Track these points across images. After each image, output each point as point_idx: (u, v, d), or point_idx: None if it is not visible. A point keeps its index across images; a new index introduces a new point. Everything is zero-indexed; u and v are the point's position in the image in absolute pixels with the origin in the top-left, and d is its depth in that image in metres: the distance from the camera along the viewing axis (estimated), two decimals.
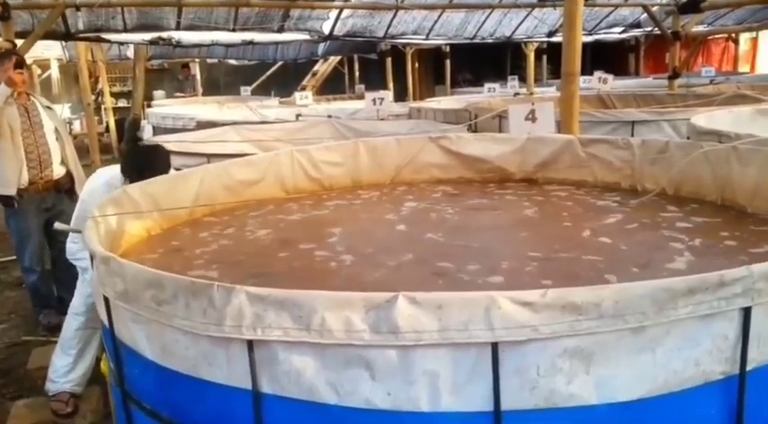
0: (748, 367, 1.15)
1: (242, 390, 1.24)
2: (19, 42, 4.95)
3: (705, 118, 3.71)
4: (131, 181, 2.51)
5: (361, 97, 10.57)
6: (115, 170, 2.86)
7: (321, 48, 11.32)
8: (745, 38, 16.04)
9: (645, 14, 8.06)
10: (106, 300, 1.49)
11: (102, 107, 13.05)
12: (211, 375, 1.28)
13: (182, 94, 13.51)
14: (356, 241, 2.11)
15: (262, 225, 2.41)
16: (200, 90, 13.79)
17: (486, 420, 1.11)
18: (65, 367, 2.93)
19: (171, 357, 1.33)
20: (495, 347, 1.07)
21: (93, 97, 10.95)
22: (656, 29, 7.77)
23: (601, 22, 8.68)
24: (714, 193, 2.47)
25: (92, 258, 1.61)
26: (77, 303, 2.97)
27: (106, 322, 1.53)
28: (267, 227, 2.37)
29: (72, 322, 2.97)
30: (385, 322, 1.10)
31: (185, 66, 14.06)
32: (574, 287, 1.06)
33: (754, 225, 2.12)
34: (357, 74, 15.88)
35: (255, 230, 2.33)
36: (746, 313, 1.13)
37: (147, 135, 7.61)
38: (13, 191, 3.73)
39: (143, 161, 2.78)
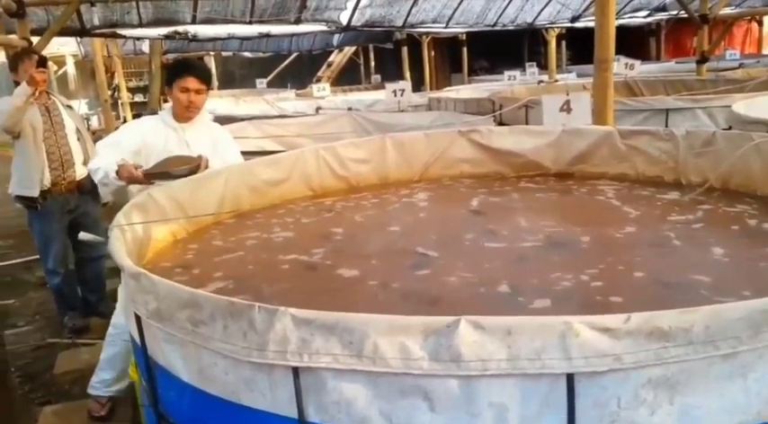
0: None
1: (287, 418, 1.15)
2: (34, 39, 4.89)
3: (745, 105, 3.55)
4: None
5: (377, 87, 10.44)
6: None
7: (336, 38, 11.21)
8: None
9: None
10: (137, 318, 1.41)
11: (119, 102, 13.02)
12: (253, 401, 1.18)
13: None
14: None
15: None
16: (215, 84, 13.75)
17: None
18: (108, 381, 2.84)
19: (209, 382, 1.24)
20: (570, 378, 0.96)
21: (109, 92, 10.93)
22: (683, 12, 7.53)
23: (625, 5, 8.45)
24: (766, 186, 2.33)
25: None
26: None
27: (138, 341, 1.44)
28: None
29: (116, 338, 2.75)
30: (446, 350, 1.00)
31: (200, 59, 14.02)
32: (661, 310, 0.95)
33: None
34: (373, 63, 15.73)
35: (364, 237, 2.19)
36: None
37: None
38: (35, 193, 3.67)
39: None
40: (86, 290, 4.05)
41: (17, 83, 3.60)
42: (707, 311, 0.96)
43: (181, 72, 2.75)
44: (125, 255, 1.51)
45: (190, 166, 2.42)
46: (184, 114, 2.78)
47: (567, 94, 3.14)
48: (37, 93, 3.58)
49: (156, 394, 1.45)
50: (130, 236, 1.83)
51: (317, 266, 1.87)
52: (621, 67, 6.53)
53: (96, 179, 2.57)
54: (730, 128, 3.31)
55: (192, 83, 2.72)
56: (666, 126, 4.18)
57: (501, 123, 4.85)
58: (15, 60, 3.81)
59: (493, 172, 2.98)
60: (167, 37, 7.25)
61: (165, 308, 1.28)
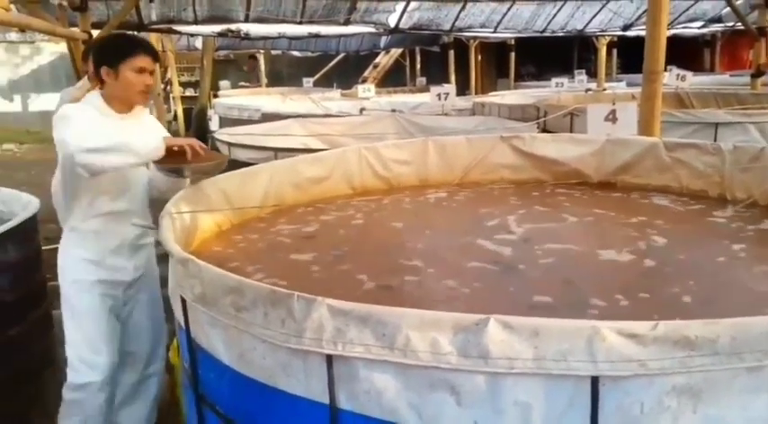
0: None
1: (319, 404, 1.20)
2: (95, 33, 5.11)
3: None
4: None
5: (422, 90, 10.48)
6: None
7: (384, 40, 11.30)
8: None
9: (727, 8, 7.62)
10: (183, 301, 1.49)
11: (171, 96, 13.42)
12: (288, 386, 1.24)
13: (247, 85, 13.76)
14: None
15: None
16: (264, 81, 14.01)
17: None
18: None
19: (248, 365, 1.31)
20: (595, 381, 0.99)
21: (162, 86, 11.28)
22: (739, 23, 7.34)
23: (680, 15, 8.28)
24: None
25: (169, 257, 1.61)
26: None
27: (182, 323, 1.52)
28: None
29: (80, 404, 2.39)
30: (474, 347, 1.04)
31: (252, 57, 14.31)
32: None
33: None
34: (418, 66, 15.75)
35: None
36: None
37: (213, 125, 7.77)
38: None
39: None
40: None
41: (85, 73, 3.67)
42: (733, 322, 0.98)
43: (131, 49, 2.27)
44: (173, 241, 1.60)
45: (217, 162, 2.21)
46: (136, 100, 2.34)
47: (614, 104, 3.12)
48: None
49: (196, 376, 1.53)
50: (179, 225, 1.92)
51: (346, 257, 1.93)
52: (673, 78, 6.41)
53: (115, 160, 2.06)
54: None
55: (146, 61, 2.28)
56: (715, 140, 4.10)
57: (545, 130, 4.82)
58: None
59: (533, 178, 2.99)
60: (221, 34, 7.46)
61: (210, 293, 1.36)
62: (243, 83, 14.10)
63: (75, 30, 4.94)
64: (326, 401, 1.19)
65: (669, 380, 0.98)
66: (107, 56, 2.29)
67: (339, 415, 1.19)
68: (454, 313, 1.07)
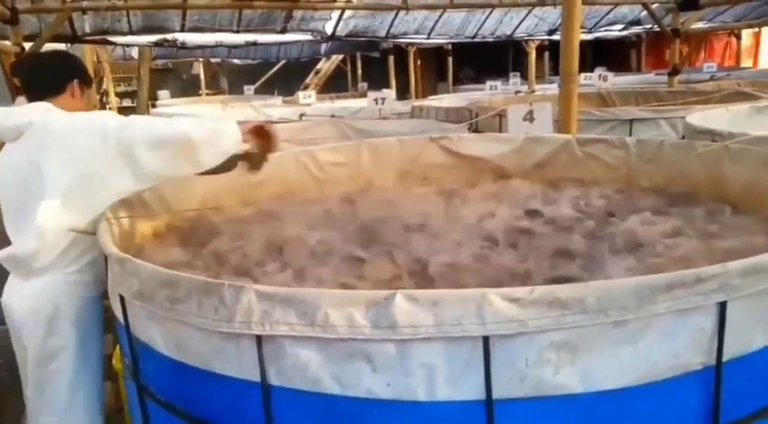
0: (724, 358, 1.23)
1: (252, 382, 1.32)
2: (27, 46, 5.05)
3: (701, 116, 3.78)
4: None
5: (363, 95, 10.65)
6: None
7: (324, 46, 11.41)
8: (747, 33, 16.03)
9: (645, 12, 8.11)
10: (122, 298, 1.58)
11: (108, 107, 13.14)
12: (223, 368, 1.36)
13: (212, 93, 13.74)
14: None
15: None
16: (226, 87, 13.95)
17: (479, 409, 1.19)
18: None
19: (185, 353, 1.42)
20: (486, 340, 1.15)
21: (97, 97, 11.06)
22: (656, 26, 7.82)
23: (601, 19, 8.74)
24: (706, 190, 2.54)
25: (105, 258, 1.69)
26: None
27: (122, 320, 1.61)
28: None
29: None
30: (384, 318, 1.18)
31: (208, 63, 14.23)
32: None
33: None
34: (360, 71, 15.95)
35: None
36: (722, 307, 1.20)
37: None
38: None
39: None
40: None
41: (17, 89, 3.62)
42: (598, 285, 1.16)
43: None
44: (111, 243, 1.68)
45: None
46: None
47: (531, 105, 3.35)
48: None
49: (137, 368, 1.62)
50: (117, 229, 1.99)
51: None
52: (596, 79, 6.78)
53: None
54: (683, 137, 3.53)
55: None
56: (630, 135, 4.41)
57: (476, 131, 5.05)
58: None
59: (461, 176, 3.18)
60: (157, 44, 7.42)
61: (147, 289, 1.46)
62: (208, 93, 14.03)
63: (7, 43, 4.88)
64: (258, 378, 1.31)
65: (547, 336, 1.15)
66: (81, 70, 2.27)
67: (270, 391, 1.31)
68: (366, 291, 1.22)
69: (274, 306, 1.25)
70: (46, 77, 2.19)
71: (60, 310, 2.01)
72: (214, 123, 2.03)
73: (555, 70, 13.41)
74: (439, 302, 1.16)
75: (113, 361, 2.75)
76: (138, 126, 2.00)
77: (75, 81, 2.21)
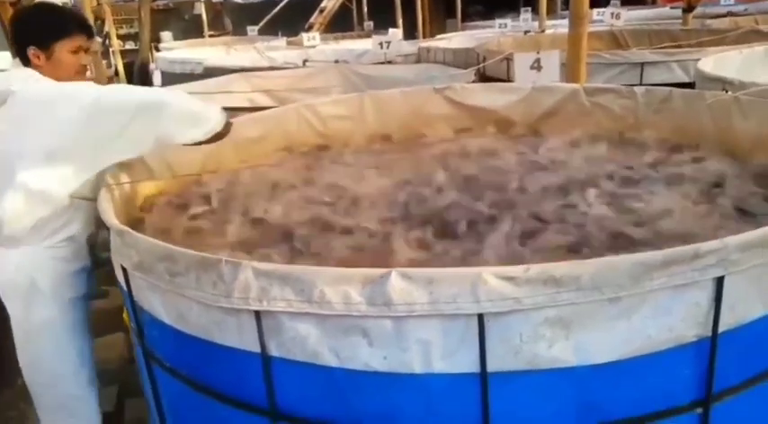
0: (720, 329, 1.23)
1: (253, 353, 1.35)
2: None
3: (714, 61, 3.65)
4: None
5: (369, 35, 10.38)
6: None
7: None
8: None
9: None
10: (124, 269, 1.60)
11: (110, 50, 12.92)
12: (224, 339, 1.38)
13: (215, 34, 13.46)
14: None
15: None
16: (230, 28, 13.64)
17: (474, 381, 1.21)
18: None
19: (186, 323, 1.44)
20: (481, 317, 1.16)
21: (99, 41, 10.84)
22: None
23: None
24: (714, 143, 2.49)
25: (107, 228, 1.70)
26: None
27: (125, 289, 1.64)
28: None
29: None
30: (380, 296, 1.19)
31: (211, 2, 13.88)
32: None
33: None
34: (365, 9, 15.47)
35: None
36: (719, 281, 1.20)
37: (156, 81, 7.58)
38: None
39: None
40: None
41: None
42: (593, 263, 1.15)
43: (64, 27, 2.07)
44: (112, 214, 1.69)
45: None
46: (71, 81, 2.09)
47: (538, 53, 3.25)
48: None
49: (143, 334, 1.66)
50: (118, 195, 2.00)
51: None
52: (608, 17, 6.54)
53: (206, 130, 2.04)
54: (694, 83, 3.43)
55: (81, 40, 2.10)
56: (641, 79, 4.29)
57: (484, 75, 4.94)
58: None
59: (467, 127, 3.13)
60: None
61: (147, 261, 1.47)
62: (212, 34, 13.73)
63: None
64: (258, 350, 1.34)
65: (542, 313, 1.16)
66: (35, 34, 2.04)
67: (271, 361, 1.34)
68: (362, 269, 1.22)
69: (272, 283, 1.26)
70: (16, 47, 2.09)
71: (36, 284, 2.01)
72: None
73: (566, 3, 12.94)
74: (434, 280, 1.16)
75: (124, 315, 2.83)
76: (116, 93, 2.01)
77: (31, 48, 2.04)
